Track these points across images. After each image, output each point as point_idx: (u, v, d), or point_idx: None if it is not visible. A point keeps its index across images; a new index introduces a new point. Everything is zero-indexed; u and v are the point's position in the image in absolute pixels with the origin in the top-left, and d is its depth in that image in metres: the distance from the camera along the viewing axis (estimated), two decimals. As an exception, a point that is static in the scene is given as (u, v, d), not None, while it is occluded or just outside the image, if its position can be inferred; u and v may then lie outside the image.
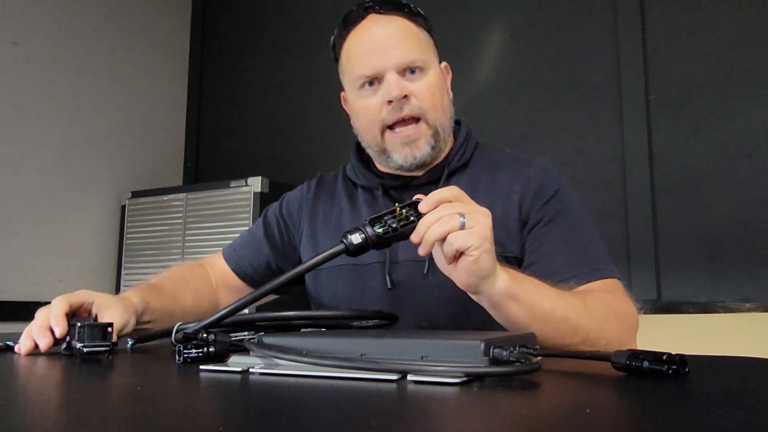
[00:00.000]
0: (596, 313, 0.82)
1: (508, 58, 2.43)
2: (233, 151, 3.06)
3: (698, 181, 2.03)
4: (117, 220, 2.83)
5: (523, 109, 2.35)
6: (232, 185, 2.53)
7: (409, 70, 0.95)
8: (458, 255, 0.70)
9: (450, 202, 0.71)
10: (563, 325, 0.78)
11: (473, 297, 0.77)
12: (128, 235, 2.76)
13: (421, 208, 0.71)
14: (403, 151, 0.97)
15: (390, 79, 0.94)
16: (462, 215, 0.69)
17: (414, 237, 0.71)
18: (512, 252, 0.94)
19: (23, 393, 0.48)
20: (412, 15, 0.99)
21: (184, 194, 2.66)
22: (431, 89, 0.96)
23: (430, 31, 1.03)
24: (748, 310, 1.87)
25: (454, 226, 0.68)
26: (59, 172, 2.63)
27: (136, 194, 2.79)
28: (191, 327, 0.68)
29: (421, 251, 0.71)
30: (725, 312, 1.90)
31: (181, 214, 2.65)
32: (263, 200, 2.42)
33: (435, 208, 0.71)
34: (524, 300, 0.76)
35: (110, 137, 2.84)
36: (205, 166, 3.16)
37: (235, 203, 2.50)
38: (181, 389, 0.51)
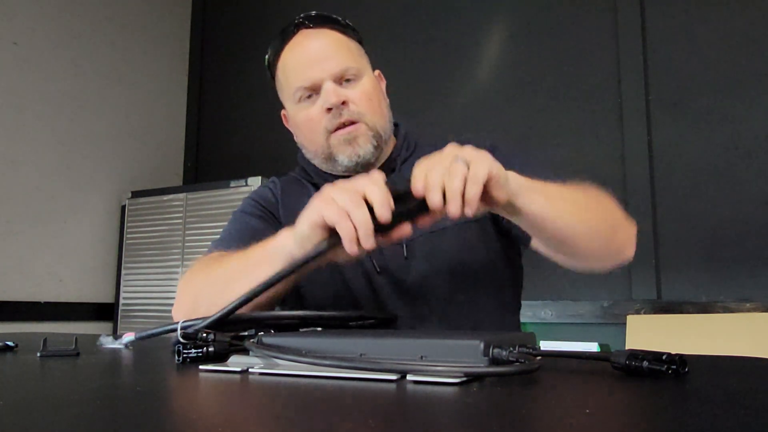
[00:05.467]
0: (605, 203, 0.90)
1: (508, 58, 2.43)
2: (233, 151, 3.06)
3: (698, 181, 2.03)
4: (117, 220, 2.83)
5: (523, 109, 2.36)
6: (232, 185, 2.54)
7: (345, 79, 0.99)
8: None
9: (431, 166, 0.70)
10: (583, 209, 0.85)
11: (502, 213, 0.79)
12: (128, 235, 2.76)
13: (415, 176, 0.69)
14: (346, 151, 0.98)
15: (327, 87, 0.97)
16: (457, 159, 0.68)
17: (434, 201, 0.67)
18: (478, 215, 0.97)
19: (23, 393, 0.48)
20: (342, 27, 1.04)
21: (184, 194, 2.66)
22: (368, 94, 1.00)
23: (361, 42, 1.07)
24: (748, 310, 1.87)
25: (464, 171, 0.67)
26: (59, 172, 2.63)
27: (136, 194, 2.79)
28: (197, 325, 0.68)
29: (455, 212, 0.67)
30: (725, 312, 1.90)
31: (181, 214, 2.65)
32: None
33: (427, 170, 0.69)
34: (543, 190, 0.79)
35: (110, 137, 2.85)
36: (205, 166, 3.16)
37: (235, 203, 2.50)
38: (180, 389, 0.51)
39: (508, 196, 0.74)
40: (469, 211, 0.68)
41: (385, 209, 0.68)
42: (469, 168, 0.68)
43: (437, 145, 1.07)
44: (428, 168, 0.69)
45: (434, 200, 0.67)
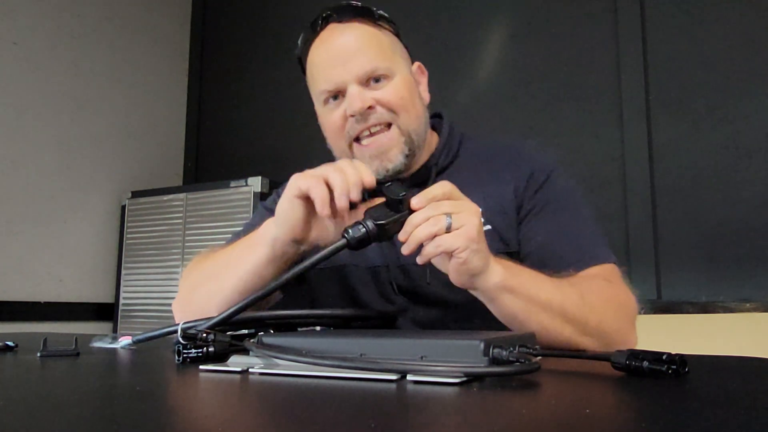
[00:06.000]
0: (594, 304, 0.80)
1: (508, 58, 2.43)
2: (233, 151, 3.06)
3: (698, 181, 2.03)
4: (117, 220, 2.83)
5: (523, 109, 2.35)
6: (232, 185, 2.53)
7: (373, 79, 0.91)
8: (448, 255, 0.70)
9: (440, 200, 0.71)
10: (560, 317, 0.78)
11: (470, 291, 0.77)
12: (128, 235, 2.76)
13: (413, 204, 0.70)
14: (373, 164, 0.91)
15: (352, 92, 0.89)
16: (449, 215, 0.68)
17: (401, 236, 0.70)
18: (514, 246, 0.93)
19: (23, 393, 0.48)
20: (374, 19, 0.95)
21: (184, 194, 2.66)
22: (399, 94, 0.91)
23: (397, 34, 0.99)
24: (748, 310, 1.87)
25: (440, 229, 0.68)
26: (59, 172, 2.63)
27: (136, 194, 2.79)
28: (199, 325, 0.68)
29: (405, 250, 0.70)
30: (725, 312, 1.90)
31: (181, 214, 2.65)
32: (263, 200, 2.43)
33: (425, 205, 0.70)
34: (520, 292, 0.75)
35: (110, 137, 2.84)
36: (205, 166, 3.16)
37: (235, 203, 2.50)
38: (180, 389, 0.51)
39: (473, 285, 0.74)
40: (419, 260, 0.71)
41: (355, 189, 0.69)
42: (447, 230, 0.68)
43: (481, 149, 1.01)
44: (426, 200, 0.70)
45: (401, 233, 0.70)
